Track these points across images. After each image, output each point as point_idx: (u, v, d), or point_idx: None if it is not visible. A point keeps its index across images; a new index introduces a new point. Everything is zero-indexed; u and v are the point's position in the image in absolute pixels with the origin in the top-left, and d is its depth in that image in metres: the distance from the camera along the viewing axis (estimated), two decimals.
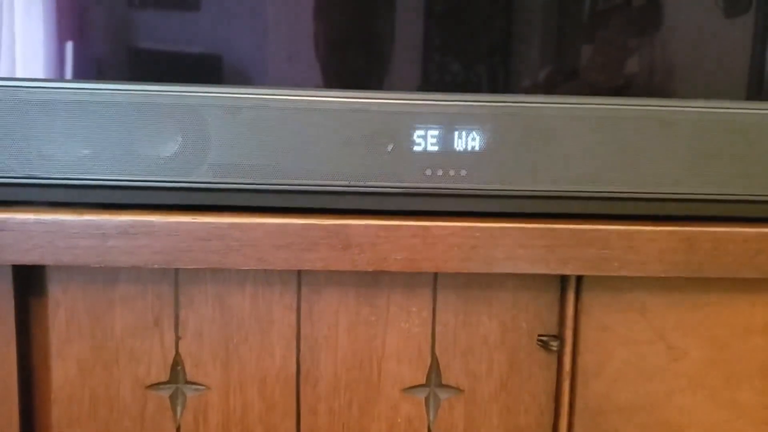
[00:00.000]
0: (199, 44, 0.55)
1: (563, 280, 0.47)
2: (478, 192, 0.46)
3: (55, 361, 0.46)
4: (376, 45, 0.56)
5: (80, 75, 0.55)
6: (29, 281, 0.46)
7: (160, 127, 0.44)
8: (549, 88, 0.56)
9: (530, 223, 0.44)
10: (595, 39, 0.57)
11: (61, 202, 0.45)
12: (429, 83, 0.55)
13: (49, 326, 0.46)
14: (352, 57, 0.57)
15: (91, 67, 0.56)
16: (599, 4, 0.57)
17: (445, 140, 0.45)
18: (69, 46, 0.55)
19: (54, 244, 0.43)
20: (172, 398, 0.47)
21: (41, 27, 0.54)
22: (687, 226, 0.45)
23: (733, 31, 0.57)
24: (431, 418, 0.48)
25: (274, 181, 0.45)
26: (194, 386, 0.47)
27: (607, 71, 0.57)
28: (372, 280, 0.47)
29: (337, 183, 0.45)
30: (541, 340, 0.48)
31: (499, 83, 0.55)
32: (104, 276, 0.46)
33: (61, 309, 0.46)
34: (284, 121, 0.44)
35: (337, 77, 0.57)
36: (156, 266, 0.43)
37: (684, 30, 0.58)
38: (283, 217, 0.44)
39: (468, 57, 0.54)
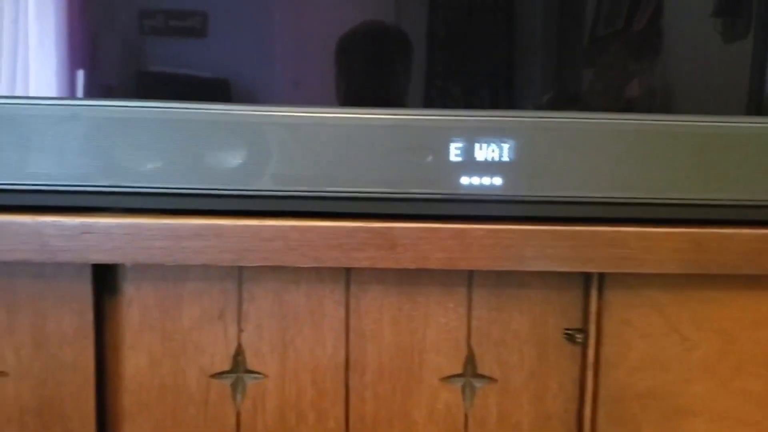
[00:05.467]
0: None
1: (587, 278, 0.52)
2: (509, 198, 0.51)
3: (127, 353, 0.51)
4: (408, 66, 0.62)
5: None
6: (104, 280, 0.52)
7: (226, 141, 0.50)
8: (572, 104, 0.61)
9: (556, 226, 0.50)
10: (605, 62, 0.63)
11: (138, 209, 0.51)
12: (462, 100, 0.60)
13: (122, 321, 0.51)
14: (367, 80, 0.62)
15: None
16: (601, 30, 0.62)
17: (479, 152, 0.51)
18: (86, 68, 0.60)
19: (132, 245, 0.48)
20: (234, 386, 0.52)
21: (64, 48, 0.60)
22: (695, 228, 0.50)
23: (731, 56, 0.62)
24: (467, 404, 0.53)
25: (327, 189, 0.50)
26: (254, 375, 0.52)
27: (614, 93, 0.63)
28: (413, 279, 0.52)
29: (382, 190, 0.51)
30: (567, 334, 0.52)
31: (530, 99, 0.60)
32: (174, 274, 0.51)
33: (134, 305, 0.51)
34: (336, 135, 0.50)
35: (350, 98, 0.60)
36: (224, 264, 0.48)
37: (684, 55, 0.63)
38: (335, 220, 0.49)
39: (500, 76, 0.60)
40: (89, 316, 0.51)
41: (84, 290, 0.50)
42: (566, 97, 0.63)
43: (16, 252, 0.47)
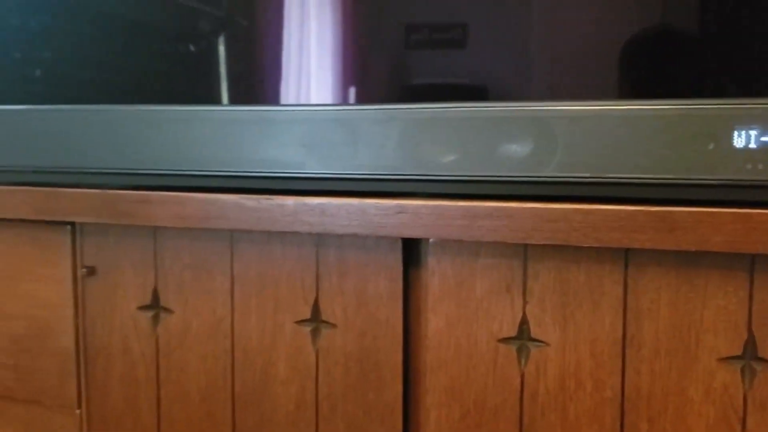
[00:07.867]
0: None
1: None
2: None
3: (429, 316, 0.61)
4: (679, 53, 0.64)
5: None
6: (410, 253, 0.62)
7: (517, 134, 0.57)
8: None
9: None
10: None
11: (440, 193, 0.60)
12: (744, 87, 0.60)
13: (424, 288, 0.61)
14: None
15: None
16: None
17: (764, 138, 0.52)
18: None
19: (437, 223, 0.57)
20: (519, 351, 0.59)
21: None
22: None
23: None
24: (747, 386, 0.54)
25: (609, 175, 0.55)
26: (536, 343, 0.58)
27: None
28: (691, 262, 0.55)
29: (663, 176, 0.54)
30: None
31: None
32: (468, 251, 0.59)
33: (436, 275, 0.60)
34: (618, 125, 0.55)
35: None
36: (514, 241, 0.55)
37: None
38: (616, 204, 0.54)
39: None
40: (399, 282, 0.61)
41: (396, 261, 0.61)
42: None
43: (348, 227, 0.59)
